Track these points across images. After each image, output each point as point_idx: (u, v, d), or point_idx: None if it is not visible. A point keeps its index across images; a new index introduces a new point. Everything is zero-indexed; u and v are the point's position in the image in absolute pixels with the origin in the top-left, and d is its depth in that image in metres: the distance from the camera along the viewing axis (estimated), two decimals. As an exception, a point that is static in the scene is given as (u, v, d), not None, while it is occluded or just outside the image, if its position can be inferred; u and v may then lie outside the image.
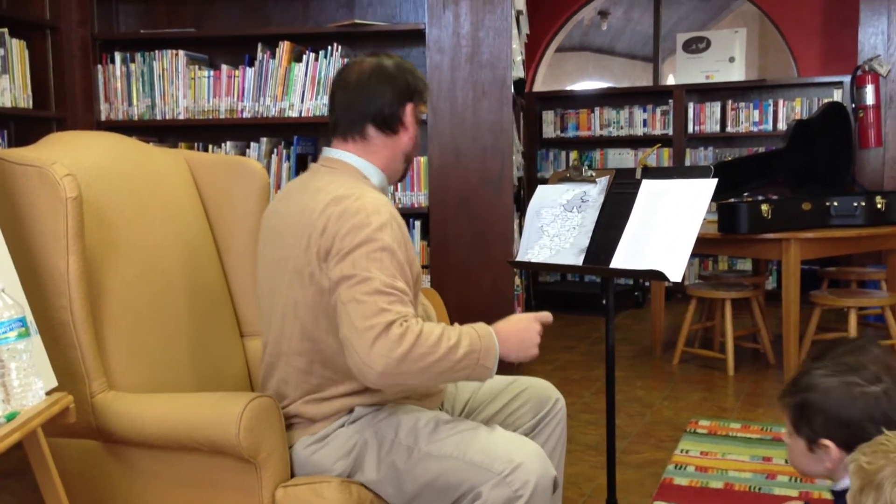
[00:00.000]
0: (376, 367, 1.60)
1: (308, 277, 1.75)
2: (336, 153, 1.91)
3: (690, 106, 7.00)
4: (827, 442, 1.62)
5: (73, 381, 1.85)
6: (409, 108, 1.91)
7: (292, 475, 1.86)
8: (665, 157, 7.05)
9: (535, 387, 2.10)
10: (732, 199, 4.57)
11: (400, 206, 4.02)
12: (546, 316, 1.84)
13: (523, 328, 1.80)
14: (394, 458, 1.77)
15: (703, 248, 4.79)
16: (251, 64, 4.03)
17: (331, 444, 1.83)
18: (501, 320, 1.81)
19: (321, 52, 3.96)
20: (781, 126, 6.68)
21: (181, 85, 4.07)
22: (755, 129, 6.83)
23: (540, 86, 8.42)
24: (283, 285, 1.81)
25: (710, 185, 2.15)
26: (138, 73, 4.12)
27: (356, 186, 1.79)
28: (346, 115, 1.90)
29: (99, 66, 4.14)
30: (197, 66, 4.10)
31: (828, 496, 2.82)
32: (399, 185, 3.99)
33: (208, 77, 4.06)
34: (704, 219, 2.16)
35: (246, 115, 4.04)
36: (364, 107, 1.88)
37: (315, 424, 1.86)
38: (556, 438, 2.08)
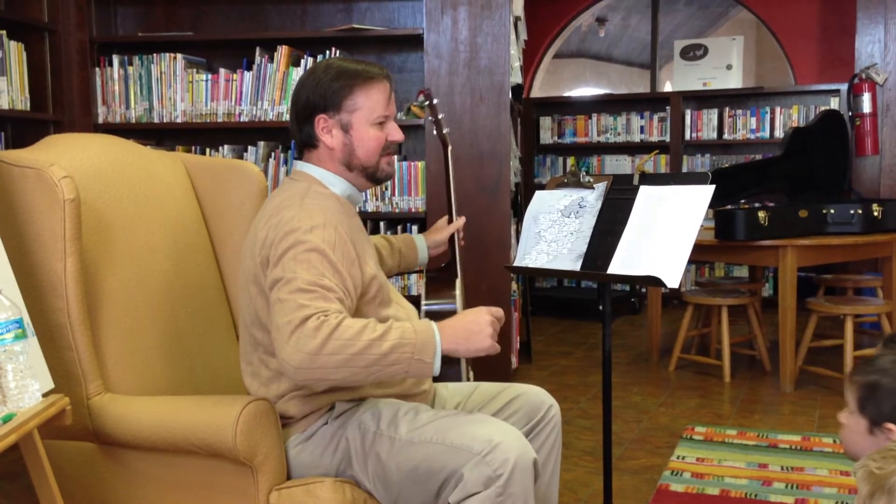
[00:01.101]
0: (292, 362, 1.61)
1: (261, 286, 1.79)
2: (301, 165, 1.95)
3: (688, 113, 7.01)
4: (892, 426, 1.64)
5: (70, 384, 1.85)
6: (318, 121, 1.87)
7: (288, 475, 1.86)
8: (662, 163, 7.06)
9: (528, 394, 2.08)
10: (729, 206, 4.58)
11: (397, 210, 4.03)
12: (497, 310, 1.79)
13: (471, 321, 1.75)
14: (377, 450, 1.78)
15: (700, 255, 4.79)
16: (249, 68, 4.03)
17: (315, 441, 1.85)
18: (452, 316, 1.79)
19: (319, 57, 3.96)
20: (778, 133, 6.70)
21: (179, 88, 4.07)
22: (752, 136, 6.84)
23: (537, 92, 8.43)
24: (246, 296, 1.87)
25: (707, 191, 2.16)
26: (136, 77, 4.12)
27: (303, 197, 1.82)
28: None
29: (97, 69, 4.14)
30: (195, 70, 4.10)
31: (824, 503, 2.82)
32: (396, 189, 4.00)
33: (206, 80, 4.06)
34: (701, 225, 2.16)
35: (244, 118, 4.04)
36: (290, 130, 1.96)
37: (301, 422, 1.87)
38: (551, 446, 2.06)
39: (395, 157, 1.99)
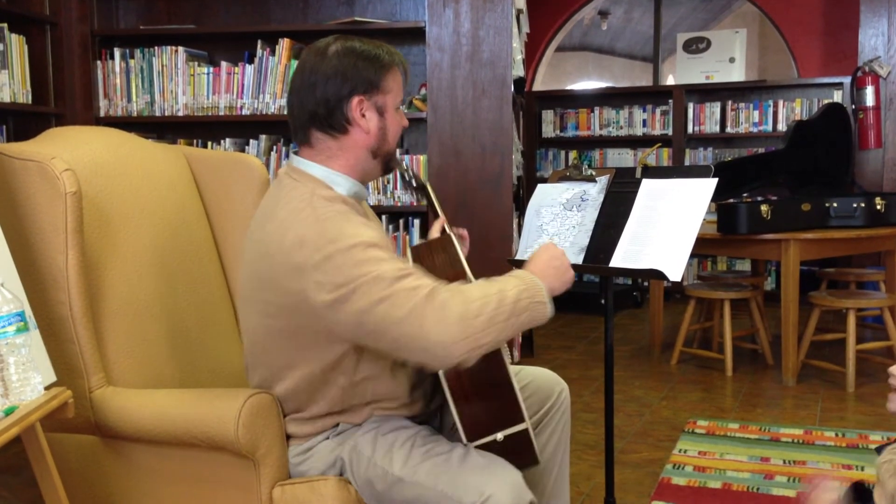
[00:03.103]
0: (444, 339, 1.51)
1: (284, 308, 1.67)
2: (300, 162, 1.78)
3: (690, 106, 7.00)
4: None
5: (72, 377, 1.85)
6: (355, 101, 1.71)
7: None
8: (664, 157, 7.05)
9: (539, 379, 2.07)
10: (732, 200, 4.57)
11: (399, 204, 4.02)
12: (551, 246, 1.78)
13: (551, 256, 1.74)
14: (370, 477, 1.75)
15: (703, 249, 4.79)
16: (251, 61, 4.02)
17: (315, 456, 1.82)
18: (527, 262, 1.75)
19: (321, 50, 3.95)
20: (781, 127, 6.69)
21: (180, 81, 4.06)
22: (755, 129, 6.83)
23: (540, 85, 8.42)
24: (253, 314, 1.77)
25: (710, 184, 2.15)
26: (137, 70, 4.11)
27: (314, 208, 1.66)
28: (292, 122, 1.78)
29: (98, 62, 4.13)
30: (196, 63, 4.09)
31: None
32: (398, 183, 3.99)
33: (208, 74, 4.06)
34: (704, 219, 2.15)
35: (245, 112, 4.04)
36: (300, 110, 1.74)
37: (300, 437, 1.84)
38: (561, 430, 2.06)
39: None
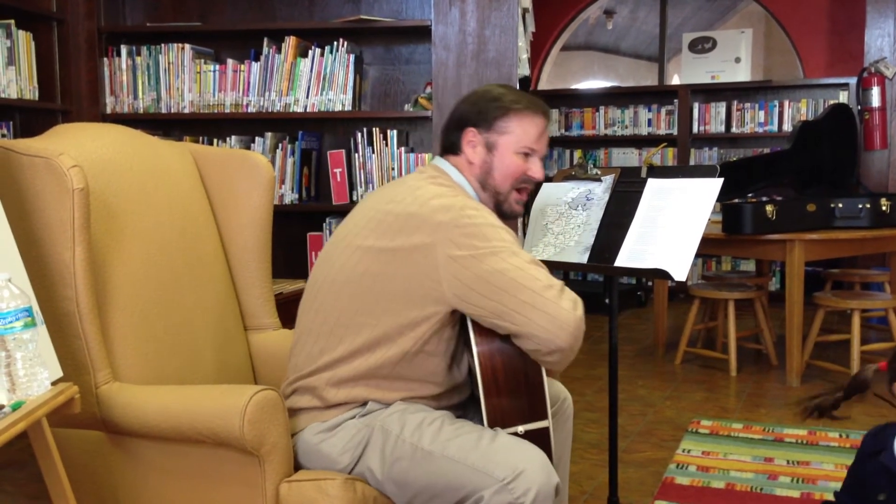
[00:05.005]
0: (569, 322, 1.68)
1: (401, 255, 1.78)
2: (441, 162, 1.99)
3: (695, 106, 6.99)
4: None
5: (78, 372, 1.86)
6: (468, 133, 1.93)
7: (297, 463, 1.86)
8: (669, 157, 7.04)
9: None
10: (737, 200, 4.57)
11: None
12: None
13: None
14: (397, 455, 1.77)
15: (707, 249, 4.79)
16: (257, 58, 4.03)
17: (339, 434, 1.83)
18: None
19: (327, 48, 3.96)
20: (787, 127, 6.68)
21: (187, 79, 4.07)
22: (760, 129, 6.82)
23: (545, 84, 8.42)
24: (356, 258, 1.84)
25: (715, 184, 2.15)
26: (144, 67, 4.12)
27: (463, 200, 1.84)
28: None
29: (105, 59, 4.14)
30: (203, 60, 4.10)
31: (830, 497, 2.82)
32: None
33: (214, 71, 4.06)
34: (709, 219, 2.15)
35: (251, 109, 4.04)
36: (443, 130, 2.03)
37: (327, 411, 1.85)
38: (564, 438, 2.07)
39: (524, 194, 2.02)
